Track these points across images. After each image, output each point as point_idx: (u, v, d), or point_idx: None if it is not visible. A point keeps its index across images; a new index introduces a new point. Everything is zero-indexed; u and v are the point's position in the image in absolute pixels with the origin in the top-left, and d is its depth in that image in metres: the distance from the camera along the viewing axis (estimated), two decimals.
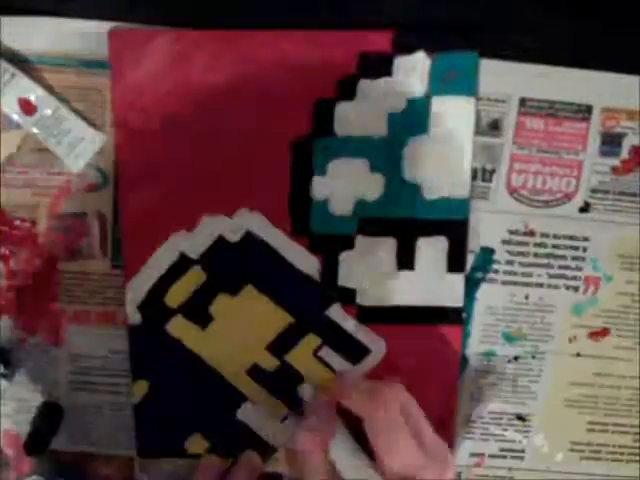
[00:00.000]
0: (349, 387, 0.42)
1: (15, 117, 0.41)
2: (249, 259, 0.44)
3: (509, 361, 0.46)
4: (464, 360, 0.46)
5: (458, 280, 0.44)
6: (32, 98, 0.41)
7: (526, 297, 0.45)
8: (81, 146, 0.42)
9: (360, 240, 0.43)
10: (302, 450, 0.39)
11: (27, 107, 0.41)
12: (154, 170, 0.42)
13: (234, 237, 0.43)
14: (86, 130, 0.42)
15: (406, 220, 0.43)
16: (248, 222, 0.43)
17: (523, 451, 0.48)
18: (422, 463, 0.39)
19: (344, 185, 0.43)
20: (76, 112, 0.42)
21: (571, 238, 0.44)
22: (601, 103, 0.42)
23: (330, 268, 0.44)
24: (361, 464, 0.39)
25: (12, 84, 0.40)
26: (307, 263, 0.44)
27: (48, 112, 0.41)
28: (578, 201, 0.44)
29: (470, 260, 0.44)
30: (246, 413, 0.46)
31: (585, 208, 0.44)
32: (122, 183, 0.42)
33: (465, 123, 0.42)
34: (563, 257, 0.44)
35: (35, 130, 0.41)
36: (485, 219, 0.44)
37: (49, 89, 0.41)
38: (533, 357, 0.46)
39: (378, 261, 0.44)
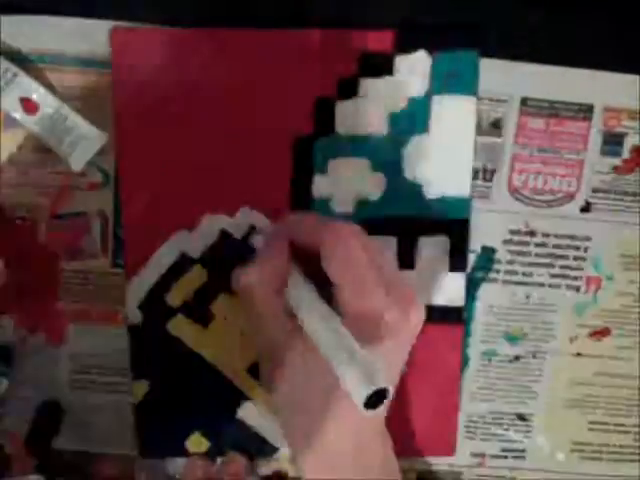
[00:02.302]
0: (300, 219, 0.37)
1: (16, 116, 0.41)
2: (251, 257, 0.43)
3: (510, 361, 0.46)
4: (465, 359, 0.46)
5: (459, 279, 0.44)
6: (34, 97, 0.41)
7: (527, 297, 0.45)
8: (83, 145, 0.42)
9: None
10: (254, 294, 0.36)
11: (29, 106, 0.41)
12: (155, 169, 0.42)
13: (236, 235, 0.43)
14: (88, 129, 0.42)
15: (407, 219, 0.43)
16: (249, 221, 0.43)
17: (524, 451, 0.48)
18: (384, 300, 0.34)
19: (345, 184, 0.43)
20: (78, 111, 0.42)
21: (572, 238, 0.44)
22: (602, 103, 0.42)
23: None
24: (318, 305, 0.34)
25: (14, 83, 0.40)
26: None
27: (50, 111, 0.41)
28: (579, 201, 0.44)
29: (471, 259, 0.44)
30: (247, 412, 0.46)
31: (586, 208, 0.44)
32: (123, 182, 0.42)
33: (466, 122, 0.42)
34: (564, 257, 0.44)
35: (36, 129, 0.41)
36: (486, 218, 0.44)
37: (50, 88, 0.41)
38: (534, 357, 0.46)
39: None
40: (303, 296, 0.35)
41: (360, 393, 0.28)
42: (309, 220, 0.38)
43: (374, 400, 0.29)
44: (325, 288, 0.35)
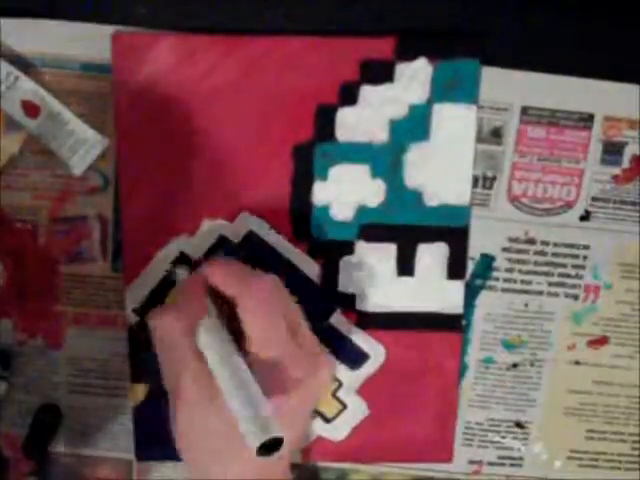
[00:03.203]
0: (221, 267, 0.38)
1: (18, 119, 0.41)
2: (249, 262, 0.43)
3: (508, 368, 0.46)
4: (463, 367, 0.46)
5: (458, 287, 0.44)
6: (35, 101, 0.41)
7: (525, 305, 0.45)
8: (83, 149, 0.42)
9: (360, 246, 0.43)
10: (168, 335, 0.36)
11: (30, 110, 0.41)
12: (155, 173, 0.42)
13: (235, 239, 0.43)
14: (89, 133, 0.42)
15: (407, 226, 0.43)
16: (248, 227, 0.43)
17: (521, 459, 0.48)
18: (294, 355, 0.36)
19: (345, 191, 0.43)
20: (78, 115, 0.42)
21: (571, 246, 0.44)
22: (603, 112, 0.42)
23: (330, 273, 0.44)
24: (228, 352, 0.35)
25: (15, 87, 0.41)
26: (307, 268, 0.44)
27: (51, 115, 0.41)
28: (579, 209, 0.44)
29: (470, 267, 0.44)
30: None
31: (585, 216, 0.44)
32: (123, 186, 0.42)
33: (466, 130, 0.42)
34: (563, 265, 0.44)
35: (38, 133, 0.41)
36: (485, 226, 0.44)
37: (51, 92, 0.41)
38: (532, 365, 0.46)
39: (378, 267, 0.44)
40: (214, 340, 0.36)
41: (254, 440, 0.31)
42: (230, 269, 0.39)
43: (269, 447, 0.31)
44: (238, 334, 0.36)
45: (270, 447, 0.31)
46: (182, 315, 0.36)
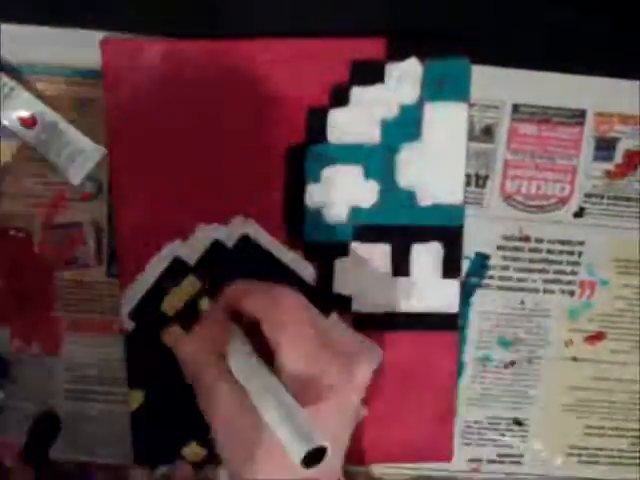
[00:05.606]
0: (243, 289, 0.39)
1: (14, 130, 0.41)
2: (244, 266, 0.43)
3: (505, 366, 0.46)
4: (460, 366, 0.46)
5: (453, 286, 0.44)
6: (31, 111, 0.41)
7: (522, 302, 0.45)
8: (81, 159, 0.42)
9: (355, 247, 0.43)
10: (197, 360, 0.37)
11: (27, 120, 0.41)
12: (148, 179, 0.42)
13: (229, 243, 0.43)
14: (86, 143, 0.42)
15: (401, 227, 0.43)
16: (243, 230, 0.43)
17: (521, 456, 0.48)
18: (325, 363, 0.35)
19: (338, 192, 0.43)
20: (72, 122, 0.42)
21: (566, 243, 0.44)
22: (594, 108, 0.42)
23: (325, 275, 0.44)
24: (259, 368, 0.35)
25: (11, 97, 0.41)
26: (302, 270, 0.44)
27: (47, 125, 0.41)
28: (572, 206, 0.44)
29: (465, 266, 0.44)
30: None
31: (579, 213, 0.44)
32: (116, 192, 0.43)
33: (458, 129, 0.42)
34: (558, 262, 0.44)
35: (34, 143, 0.41)
36: (479, 225, 0.44)
37: (44, 99, 0.41)
38: (529, 362, 0.46)
39: (373, 268, 0.44)
40: (244, 359, 0.36)
41: (297, 452, 0.30)
42: (252, 289, 0.39)
43: (313, 457, 0.30)
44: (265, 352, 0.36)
45: (315, 457, 0.30)
46: (208, 340, 0.38)
